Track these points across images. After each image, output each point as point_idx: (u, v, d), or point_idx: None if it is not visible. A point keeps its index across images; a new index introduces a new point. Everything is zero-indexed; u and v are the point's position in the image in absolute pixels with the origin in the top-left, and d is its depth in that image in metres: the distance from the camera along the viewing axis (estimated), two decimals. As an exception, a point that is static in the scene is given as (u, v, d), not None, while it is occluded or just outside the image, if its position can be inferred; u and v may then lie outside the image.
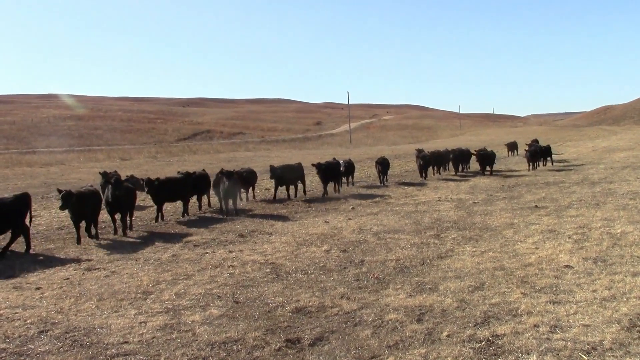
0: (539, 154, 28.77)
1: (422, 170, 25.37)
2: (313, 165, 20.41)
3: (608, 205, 15.27)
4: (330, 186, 21.16)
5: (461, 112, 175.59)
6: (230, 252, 11.33)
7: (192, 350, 6.35)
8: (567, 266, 9.16)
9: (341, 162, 22.16)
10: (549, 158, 30.10)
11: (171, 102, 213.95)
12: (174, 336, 6.76)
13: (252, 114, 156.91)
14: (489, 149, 28.93)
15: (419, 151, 27.51)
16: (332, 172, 20.84)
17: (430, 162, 25.84)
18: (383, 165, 23.87)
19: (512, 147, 39.44)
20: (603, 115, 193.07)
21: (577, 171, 26.19)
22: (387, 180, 23.96)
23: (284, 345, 6.44)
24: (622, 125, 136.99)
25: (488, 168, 26.76)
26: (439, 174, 27.30)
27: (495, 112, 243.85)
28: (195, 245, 12.10)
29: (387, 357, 6.02)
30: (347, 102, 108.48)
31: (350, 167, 23.16)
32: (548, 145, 31.15)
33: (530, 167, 28.05)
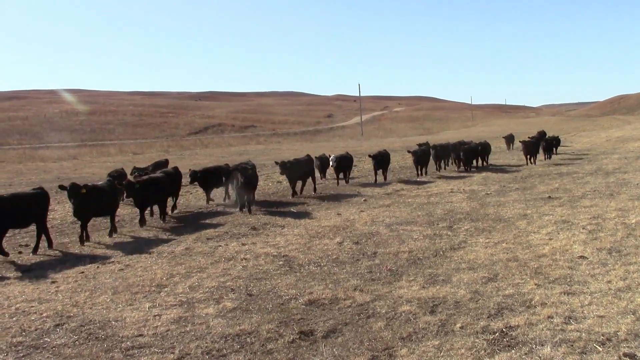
0: (536, 146, 26.55)
1: (416, 166, 22.91)
2: (276, 163, 18.18)
3: (622, 196, 15.15)
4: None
5: (473, 103, 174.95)
6: (243, 245, 11.36)
7: (206, 342, 6.38)
8: (581, 257, 9.11)
9: (331, 156, 20.56)
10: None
11: (183, 96, 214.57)
12: (188, 329, 6.81)
13: (264, 107, 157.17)
14: (472, 142, 27.23)
15: (419, 145, 25.48)
16: (300, 171, 18.53)
17: (422, 157, 23.04)
18: (377, 159, 21.28)
19: (510, 140, 37.11)
20: (617, 105, 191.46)
21: (590, 161, 25.99)
22: (385, 178, 21.91)
23: (298, 337, 6.45)
24: (636, 115, 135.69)
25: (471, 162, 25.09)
26: (444, 169, 25.33)
27: (507, 103, 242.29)
28: (208, 239, 12.14)
29: (401, 349, 6.02)
30: (358, 94, 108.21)
31: (344, 162, 20.83)
32: (540, 138, 29.14)
33: (528, 161, 25.83)
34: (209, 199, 17.55)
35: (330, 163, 20.52)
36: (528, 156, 25.84)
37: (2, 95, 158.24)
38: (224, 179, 16.82)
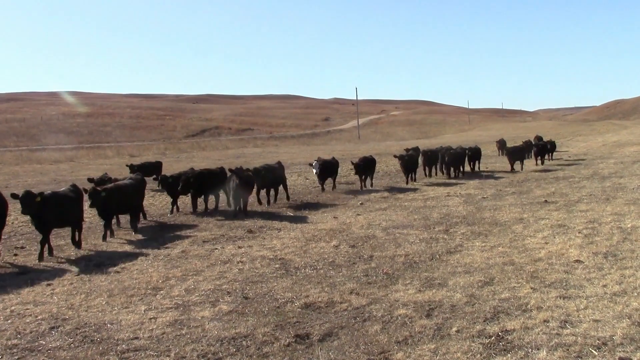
0: (522, 152, 26.01)
1: (405, 173, 21.82)
2: (245, 169, 16.46)
3: (618, 200, 15.18)
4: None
5: (470, 107, 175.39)
6: (240, 247, 11.35)
7: (202, 345, 6.37)
8: (577, 261, 9.12)
9: (314, 163, 19.62)
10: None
11: (180, 98, 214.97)
12: (183, 332, 6.79)
13: (261, 110, 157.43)
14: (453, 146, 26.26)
15: (407, 150, 25.02)
16: (271, 177, 17.28)
17: (410, 163, 21.86)
18: (359, 167, 19.98)
19: (502, 144, 35.89)
20: (613, 110, 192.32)
21: (587, 166, 26.04)
22: (372, 185, 21.12)
23: (293, 340, 6.44)
24: (632, 120, 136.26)
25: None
26: (431, 175, 23.90)
27: (504, 107, 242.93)
28: (204, 241, 12.12)
29: (397, 353, 6.01)
30: (355, 98, 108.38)
31: (328, 168, 19.83)
32: (523, 146, 27.87)
33: (512, 167, 25.07)
34: (173, 209, 16.42)
35: (314, 170, 19.62)
36: (513, 162, 25.14)
37: (0, 97, 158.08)
38: (180, 185, 15.77)
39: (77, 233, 12.06)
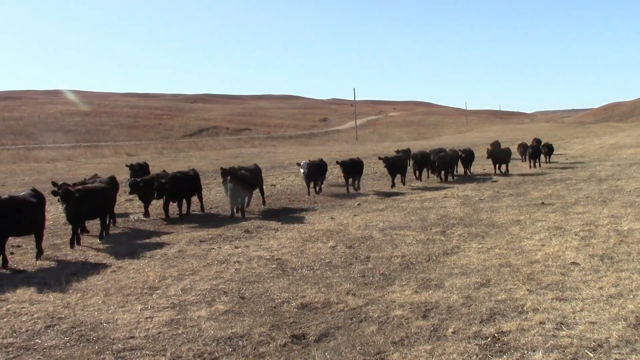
0: (507, 154, 25.51)
1: (391, 174, 20.97)
2: (222, 169, 15.84)
3: (615, 202, 15.21)
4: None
5: (468, 108, 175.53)
6: (236, 247, 11.34)
7: (198, 345, 6.37)
8: (573, 263, 9.14)
9: (302, 163, 19.18)
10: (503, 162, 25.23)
11: (177, 98, 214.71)
12: (180, 331, 6.78)
13: (259, 110, 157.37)
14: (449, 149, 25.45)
15: (397, 152, 24.53)
16: (247, 180, 16.22)
17: (395, 165, 20.79)
18: (345, 166, 19.30)
19: (496, 147, 33.93)
20: (610, 112, 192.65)
21: (584, 168, 26.06)
22: (358, 187, 20.38)
23: (290, 341, 6.45)
24: (630, 122, 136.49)
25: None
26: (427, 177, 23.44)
27: (502, 109, 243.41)
28: (201, 241, 12.11)
29: (393, 354, 6.02)
30: (353, 99, 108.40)
31: (317, 169, 19.29)
32: (508, 149, 27.44)
33: (495, 170, 24.66)
34: (147, 213, 15.67)
35: (301, 170, 19.02)
36: (496, 165, 24.73)
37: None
38: (155, 187, 14.70)
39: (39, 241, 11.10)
